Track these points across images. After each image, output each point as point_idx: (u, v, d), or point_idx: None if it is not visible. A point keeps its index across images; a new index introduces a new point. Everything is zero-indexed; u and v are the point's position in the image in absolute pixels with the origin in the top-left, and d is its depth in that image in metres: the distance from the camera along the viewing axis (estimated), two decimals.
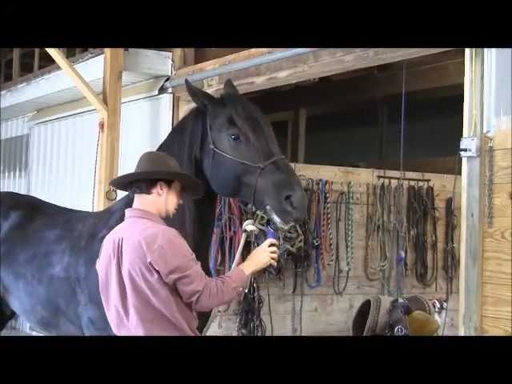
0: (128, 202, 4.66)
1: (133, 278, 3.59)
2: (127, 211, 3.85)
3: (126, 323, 3.65)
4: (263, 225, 4.21)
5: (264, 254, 3.91)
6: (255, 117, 4.28)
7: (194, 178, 4.06)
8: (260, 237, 4.49)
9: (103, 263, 3.78)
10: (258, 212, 4.28)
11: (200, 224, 4.38)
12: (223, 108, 4.31)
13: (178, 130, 4.54)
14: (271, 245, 3.95)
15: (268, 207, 4.09)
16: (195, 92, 4.44)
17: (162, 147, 4.56)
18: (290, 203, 4.00)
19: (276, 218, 4.06)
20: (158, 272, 3.54)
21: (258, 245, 4.06)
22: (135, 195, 3.85)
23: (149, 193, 3.79)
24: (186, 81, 4.57)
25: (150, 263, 3.53)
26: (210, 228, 4.64)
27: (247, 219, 4.36)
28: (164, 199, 3.79)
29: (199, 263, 3.68)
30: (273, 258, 3.94)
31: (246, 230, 4.21)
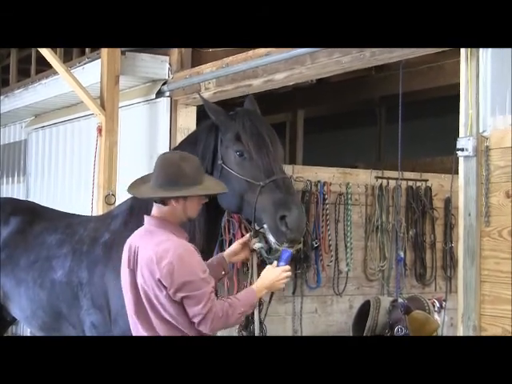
0: (129, 207, 4.69)
1: (146, 293, 3.57)
2: (146, 219, 3.76)
3: (142, 332, 3.62)
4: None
5: (278, 280, 3.81)
6: (262, 133, 4.24)
7: (209, 192, 3.84)
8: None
9: (122, 267, 3.75)
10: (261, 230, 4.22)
11: (208, 236, 4.41)
12: (233, 123, 4.30)
13: (192, 141, 4.53)
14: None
15: (265, 226, 4.06)
16: (210, 107, 4.43)
17: None
18: (285, 224, 3.95)
19: (271, 238, 4.02)
20: (166, 288, 3.50)
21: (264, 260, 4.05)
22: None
23: (165, 204, 3.71)
24: (201, 96, 4.62)
25: (159, 280, 3.50)
26: (215, 239, 4.68)
27: (250, 231, 4.32)
28: (181, 208, 3.69)
29: (211, 283, 3.59)
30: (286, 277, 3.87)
31: (254, 249, 4.13)
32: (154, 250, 3.54)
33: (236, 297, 3.70)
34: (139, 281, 3.60)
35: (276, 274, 3.82)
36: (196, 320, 3.53)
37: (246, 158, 4.20)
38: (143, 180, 3.87)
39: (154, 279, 3.52)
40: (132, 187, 3.84)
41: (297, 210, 4.00)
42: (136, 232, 3.80)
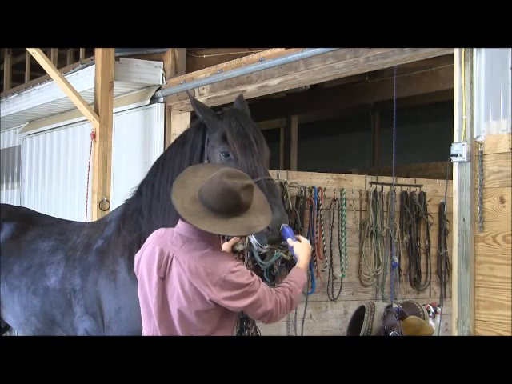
0: (123, 213, 4.67)
1: (181, 304, 3.47)
2: (183, 225, 3.61)
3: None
4: None
5: (309, 251, 3.82)
6: (248, 134, 4.22)
7: (259, 227, 3.64)
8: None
9: (144, 264, 3.61)
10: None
11: None
12: (220, 123, 4.29)
13: (181, 142, 4.52)
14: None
15: None
16: (198, 106, 4.43)
17: (164, 158, 4.56)
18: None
19: (253, 239, 4.00)
20: (215, 303, 3.43)
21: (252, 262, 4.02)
22: None
23: None
24: (189, 94, 4.61)
25: (210, 299, 3.41)
26: None
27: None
28: None
29: (256, 276, 3.54)
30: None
31: (236, 251, 4.12)
32: (201, 264, 3.44)
33: (291, 280, 3.68)
34: (175, 290, 3.48)
35: (305, 247, 3.82)
36: (265, 319, 3.52)
37: (231, 158, 4.19)
38: (187, 190, 3.59)
39: (198, 293, 3.42)
40: (189, 214, 3.51)
41: (279, 212, 3.97)
42: (163, 234, 3.65)
